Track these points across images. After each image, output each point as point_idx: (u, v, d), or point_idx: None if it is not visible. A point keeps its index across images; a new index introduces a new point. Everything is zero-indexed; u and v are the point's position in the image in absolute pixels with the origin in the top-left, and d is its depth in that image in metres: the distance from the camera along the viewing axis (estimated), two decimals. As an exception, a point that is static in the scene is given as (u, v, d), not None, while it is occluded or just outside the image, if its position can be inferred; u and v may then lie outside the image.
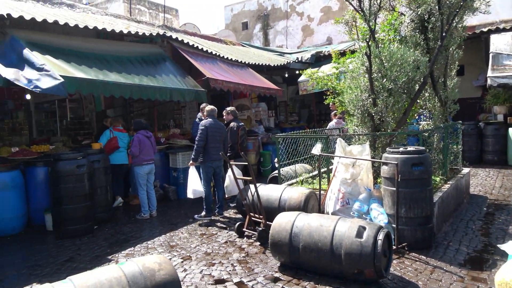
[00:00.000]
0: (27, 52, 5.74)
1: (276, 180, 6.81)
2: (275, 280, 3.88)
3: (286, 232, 4.00)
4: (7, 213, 5.56)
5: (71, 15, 8.19)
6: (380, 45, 5.65)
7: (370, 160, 5.06)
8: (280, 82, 15.29)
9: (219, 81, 8.58)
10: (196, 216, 6.28)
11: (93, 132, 10.21)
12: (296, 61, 13.41)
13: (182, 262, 4.45)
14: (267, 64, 11.95)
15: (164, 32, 8.88)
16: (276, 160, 6.67)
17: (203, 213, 6.23)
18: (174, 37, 8.98)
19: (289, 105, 17.00)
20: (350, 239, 3.64)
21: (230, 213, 6.60)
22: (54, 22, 6.48)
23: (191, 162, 6.23)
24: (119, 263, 3.04)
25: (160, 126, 13.11)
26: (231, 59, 10.67)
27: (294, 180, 6.70)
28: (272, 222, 4.95)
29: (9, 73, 5.09)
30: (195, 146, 6.19)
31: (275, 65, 12.27)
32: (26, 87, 5.10)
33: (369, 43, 5.43)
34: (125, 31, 7.80)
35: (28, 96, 9.38)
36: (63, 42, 6.87)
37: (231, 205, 6.95)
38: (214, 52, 10.09)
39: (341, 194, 5.06)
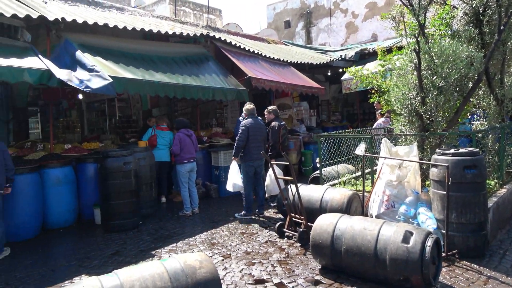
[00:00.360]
0: (79, 54, 6.04)
1: (317, 181, 6.69)
2: (316, 283, 3.80)
3: (327, 234, 3.90)
4: (60, 207, 5.88)
5: (120, 17, 8.54)
6: (430, 40, 5.36)
7: (418, 162, 4.82)
8: (323, 81, 15.03)
9: (261, 80, 8.57)
10: (236, 214, 6.31)
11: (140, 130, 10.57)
12: (340, 59, 13.11)
13: (222, 260, 4.48)
14: (309, 63, 11.78)
15: (208, 32, 9.01)
16: (317, 160, 6.55)
17: (244, 212, 6.25)
18: (217, 37, 9.09)
19: (331, 104, 16.69)
20: (396, 244, 3.48)
21: (271, 212, 6.57)
22: (104, 25, 6.76)
23: (233, 156, 6.32)
24: (161, 259, 3.09)
25: (203, 125, 13.36)
26: (273, 58, 10.62)
27: (336, 181, 6.55)
28: (313, 223, 4.87)
29: (63, 74, 5.37)
30: (235, 145, 6.24)
31: (318, 63, 12.06)
32: (77, 87, 5.35)
33: (418, 39, 5.17)
34: (170, 32, 8.00)
35: (80, 96, 9.88)
36: (113, 43, 7.16)
37: (272, 204, 6.92)
38: (256, 51, 10.10)
39: (386, 197, 4.86)
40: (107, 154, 5.68)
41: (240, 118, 7.54)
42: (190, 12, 20.32)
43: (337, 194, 5.19)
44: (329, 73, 13.69)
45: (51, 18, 6.00)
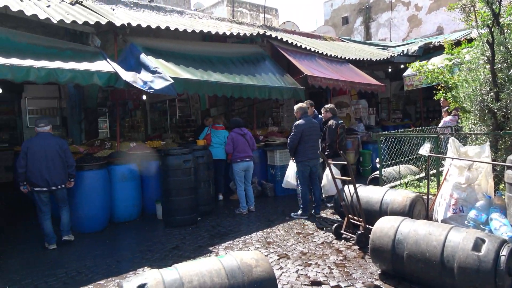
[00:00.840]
0: (143, 56, 6.36)
1: (376, 181, 6.43)
2: (376, 288, 3.64)
3: (388, 238, 3.72)
4: (126, 202, 6.24)
5: (180, 21, 8.86)
6: (505, 30, 4.90)
7: (491, 163, 4.43)
8: (383, 78, 14.45)
9: (317, 78, 8.42)
10: (292, 214, 6.26)
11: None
12: (401, 54, 12.50)
13: (278, 259, 4.46)
14: (368, 59, 11.38)
15: (264, 31, 9.04)
16: (377, 160, 6.29)
17: (300, 211, 6.19)
18: (273, 36, 9.08)
19: (392, 102, 15.98)
20: (465, 252, 3.22)
21: (327, 213, 6.43)
22: (166, 28, 7.05)
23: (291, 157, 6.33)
24: (218, 255, 3.14)
25: (259, 124, 13.46)
26: (330, 55, 10.40)
27: (397, 182, 6.24)
28: (372, 225, 4.68)
29: (128, 76, 5.68)
30: (288, 146, 6.19)
31: (378, 59, 11.60)
32: (142, 89, 5.63)
33: (492, 30, 4.75)
34: (228, 33, 8.14)
35: (144, 97, 10.44)
36: (174, 46, 7.45)
37: (328, 205, 6.77)
38: (312, 49, 9.95)
39: (454, 200, 4.53)
40: (168, 152, 5.92)
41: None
42: (247, 12, 20.54)
43: (399, 196, 4.93)
44: (389, 70, 13.12)
45: (118, 24, 6.38)
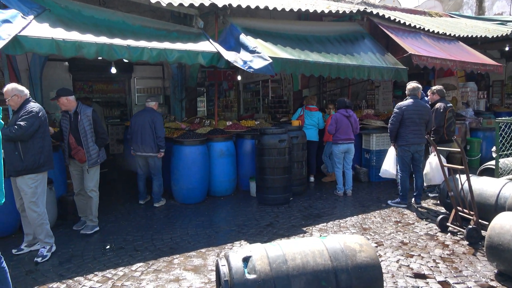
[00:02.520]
0: (242, 36, 6.46)
1: (488, 173, 5.77)
2: (491, 289, 3.29)
3: (510, 236, 3.30)
4: (223, 177, 6.52)
5: (277, 1, 8.79)
6: None
7: None
8: (498, 58, 12.77)
9: (423, 57, 7.74)
10: (390, 202, 5.95)
11: (290, 110, 10.90)
12: (522, 29, 10.87)
13: (376, 247, 4.28)
14: (482, 36, 10.12)
15: (364, 8, 8.54)
16: (493, 149, 5.61)
17: (398, 199, 5.84)
18: (374, 12, 8.54)
19: (506, 85, 14.12)
20: None
21: (428, 203, 5.98)
22: (264, 7, 7.05)
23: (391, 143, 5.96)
24: (321, 236, 3.10)
25: (352, 106, 12.96)
26: (437, 32, 9.48)
27: (515, 175, 5.52)
28: (485, 220, 4.25)
29: (230, 56, 5.83)
30: (388, 130, 5.84)
31: (494, 36, 10.24)
32: (242, 68, 5.75)
33: None
34: (326, 11, 7.87)
35: (239, 78, 10.73)
36: (271, 26, 7.44)
37: (430, 195, 6.29)
38: (417, 26, 9.15)
39: None
40: (264, 131, 6.00)
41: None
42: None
43: (521, 190, 4.35)
44: (507, 48, 11.51)
45: (220, 5, 6.55)
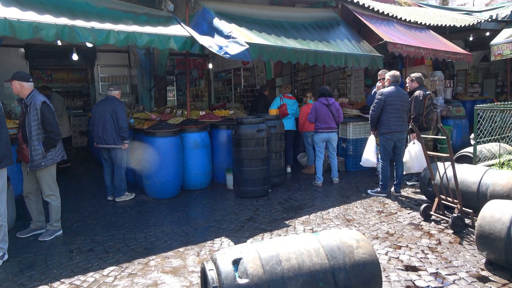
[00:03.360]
0: (216, 21, 6.10)
1: (463, 160, 5.83)
2: (484, 279, 3.21)
3: (502, 225, 3.23)
4: (197, 170, 6.20)
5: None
6: None
7: None
8: (462, 47, 13.08)
9: (398, 45, 7.69)
10: (370, 191, 5.86)
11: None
12: (489, 20, 11.13)
13: (362, 239, 4.14)
14: (450, 25, 10.28)
15: (339, -6, 8.37)
16: (471, 136, 5.63)
17: (379, 188, 5.77)
18: (348, -1, 8.40)
19: (470, 74, 14.56)
20: None
21: (408, 192, 5.95)
22: (238, -9, 6.71)
23: (371, 131, 5.84)
24: (314, 232, 2.89)
25: (333, 94, 12.89)
26: (409, 20, 9.50)
27: (491, 161, 5.57)
28: (467, 208, 4.22)
29: (204, 41, 5.48)
30: (369, 117, 5.73)
31: (462, 25, 10.43)
32: (217, 53, 5.41)
33: None
34: (301, -4, 7.62)
35: (210, 66, 10.36)
36: (244, 10, 7.10)
37: (408, 183, 6.28)
38: (390, 14, 9.11)
39: None
40: (241, 121, 5.71)
41: (375, 89, 6.91)
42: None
43: (503, 177, 4.33)
44: (470, 38, 11.78)
45: (191, -14, 6.15)
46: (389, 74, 5.83)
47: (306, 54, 6.45)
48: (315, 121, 6.34)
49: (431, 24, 9.91)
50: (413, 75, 6.18)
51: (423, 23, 9.78)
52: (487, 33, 11.15)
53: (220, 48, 5.43)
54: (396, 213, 4.98)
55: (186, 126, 6.19)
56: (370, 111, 5.72)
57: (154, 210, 5.31)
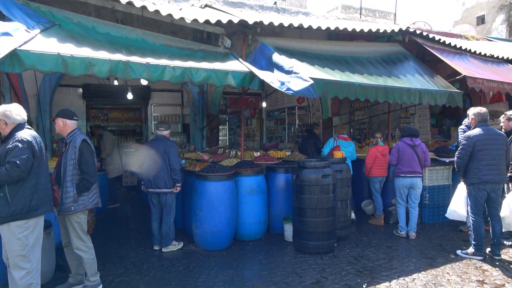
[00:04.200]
0: (276, 56, 5.65)
1: None
2: None
3: None
4: (252, 218, 5.54)
5: (307, 20, 8.09)
6: None
7: None
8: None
9: (478, 79, 6.80)
10: (460, 252, 4.84)
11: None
12: None
13: (470, 323, 3.19)
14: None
15: (407, 27, 7.71)
16: None
17: (471, 249, 4.74)
18: (417, 32, 7.71)
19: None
20: None
21: (510, 254, 4.85)
22: (298, 25, 6.29)
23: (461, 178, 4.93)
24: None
25: (385, 136, 11.98)
26: (484, 54, 8.58)
27: None
28: None
29: (265, 76, 5.02)
30: (455, 165, 4.83)
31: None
32: (279, 89, 4.90)
33: None
34: (366, 29, 7.04)
35: (264, 104, 10.04)
36: (304, 45, 6.65)
37: (506, 243, 5.17)
38: (462, 47, 8.27)
39: None
40: (303, 164, 5.04)
41: (463, 127, 6.01)
42: (361, 19, 19.23)
43: None
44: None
45: (250, 22, 5.81)
46: (473, 113, 4.97)
47: (375, 90, 5.77)
48: (396, 163, 5.56)
49: (509, 58, 8.91)
50: (509, 112, 5.24)
51: (500, 57, 8.80)
52: None
53: (282, 83, 4.92)
54: (504, 285, 3.94)
55: (241, 169, 5.62)
56: (456, 158, 4.81)
57: (204, 265, 4.67)
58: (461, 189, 4.93)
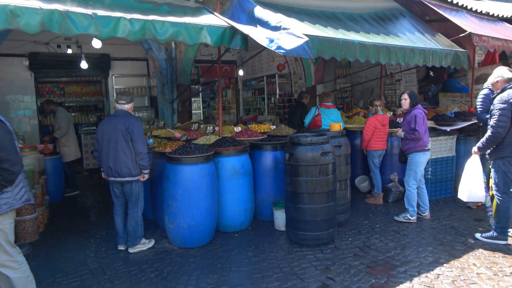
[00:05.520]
0: (259, 10, 4.61)
1: None
2: None
3: None
4: (237, 205, 4.68)
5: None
6: None
7: None
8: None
9: (483, 37, 6.09)
10: (480, 236, 4.19)
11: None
12: None
13: None
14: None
15: (402, -21, 6.81)
16: None
17: (493, 232, 4.10)
18: (413, -16, 6.84)
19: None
20: None
21: (533, 236, 4.26)
22: (283, -27, 5.25)
23: (475, 149, 4.18)
24: None
25: (368, 105, 11.29)
26: (480, 11, 7.86)
27: None
28: None
29: (250, 31, 4.02)
30: (490, 134, 3.96)
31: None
32: (268, 48, 3.94)
33: None
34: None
35: (241, 72, 9.03)
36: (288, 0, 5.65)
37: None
38: (459, 3, 7.50)
39: None
40: (298, 141, 4.17)
41: (486, 91, 5.21)
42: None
43: None
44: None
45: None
46: (498, 74, 4.21)
47: (377, 49, 4.88)
48: (422, 136, 4.76)
49: (505, 16, 8.25)
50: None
51: (495, 14, 8.12)
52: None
53: (271, 41, 3.95)
54: (543, 277, 3.31)
55: (221, 147, 4.70)
56: (494, 127, 3.91)
57: (182, 269, 3.79)
58: (474, 165, 4.19)
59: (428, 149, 4.90)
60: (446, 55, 5.62)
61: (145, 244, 4.35)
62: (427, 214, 4.95)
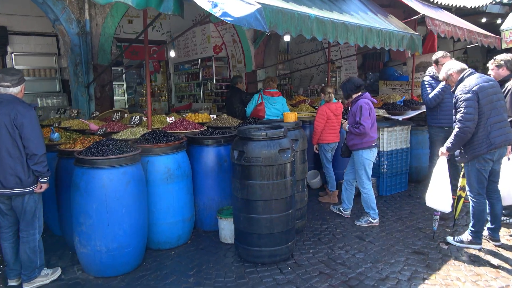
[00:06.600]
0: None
1: None
2: None
3: None
4: (172, 216, 3.75)
5: None
6: None
7: None
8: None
9: (436, 21, 5.77)
10: (452, 240, 3.74)
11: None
12: (494, 2, 9.70)
13: None
14: (458, 6, 8.63)
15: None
16: None
17: (467, 237, 3.66)
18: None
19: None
20: None
21: (506, 235, 3.93)
22: None
23: (443, 151, 3.65)
24: None
25: (308, 93, 10.86)
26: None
27: None
28: None
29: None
30: (458, 130, 3.44)
31: (472, 6, 8.86)
32: (211, 13, 3.00)
33: None
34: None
35: (172, 53, 7.86)
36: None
37: (506, 220, 4.21)
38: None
39: None
40: (250, 135, 3.33)
41: (428, 78, 4.83)
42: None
43: None
44: (483, 20, 10.30)
45: None
46: (448, 68, 3.70)
47: (334, 26, 4.22)
48: (368, 131, 4.12)
49: (442, 3, 8.18)
50: (500, 57, 4.11)
51: (435, 2, 8.01)
52: (499, 21, 9.81)
53: (214, 5, 3.01)
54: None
55: (151, 144, 3.69)
56: (461, 121, 3.38)
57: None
58: (441, 171, 3.68)
59: (375, 145, 4.33)
60: (403, 38, 5.16)
61: (48, 276, 3.23)
62: (348, 213, 4.51)
